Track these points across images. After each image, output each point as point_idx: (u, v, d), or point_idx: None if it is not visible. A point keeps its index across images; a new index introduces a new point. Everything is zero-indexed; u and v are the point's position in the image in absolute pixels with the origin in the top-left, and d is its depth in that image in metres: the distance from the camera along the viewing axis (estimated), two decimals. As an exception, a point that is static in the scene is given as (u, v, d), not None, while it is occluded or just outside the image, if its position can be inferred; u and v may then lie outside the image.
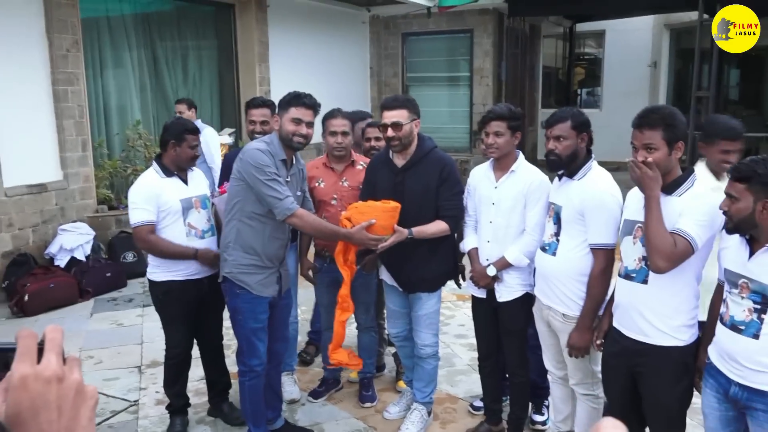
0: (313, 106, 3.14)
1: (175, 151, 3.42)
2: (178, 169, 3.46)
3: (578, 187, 2.87)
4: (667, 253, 2.35)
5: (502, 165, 3.22)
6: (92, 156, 6.81)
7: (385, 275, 3.59)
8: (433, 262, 3.41)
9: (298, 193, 3.27)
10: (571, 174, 2.92)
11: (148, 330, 5.23)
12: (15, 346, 0.70)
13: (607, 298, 2.85)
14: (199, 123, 6.13)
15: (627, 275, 2.59)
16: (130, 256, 6.73)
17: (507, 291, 3.27)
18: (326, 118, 3.72)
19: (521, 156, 3.28)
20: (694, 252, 2.38)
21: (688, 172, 2.51)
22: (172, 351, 3.60)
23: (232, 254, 3.18)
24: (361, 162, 3.78)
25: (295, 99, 3.12)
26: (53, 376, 0.68)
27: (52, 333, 0.72)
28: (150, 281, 3.50)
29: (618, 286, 2.67)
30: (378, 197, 3.41)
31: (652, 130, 2.42)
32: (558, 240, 2.94)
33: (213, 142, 6.43)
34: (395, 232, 3.22)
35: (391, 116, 3.27)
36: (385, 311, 4.02)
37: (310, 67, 9.90)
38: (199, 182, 3.58)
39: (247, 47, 8.94)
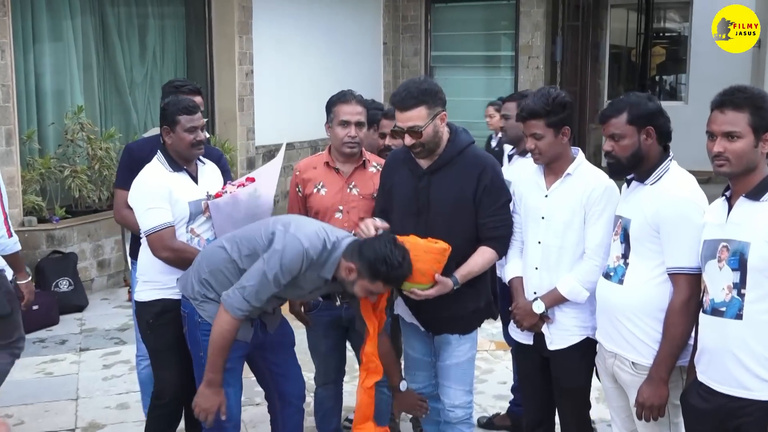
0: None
1: (171, 139, 3.56)
2: (185, 162, 3.60)
3: (651, 194, 2.88)
4: None
5: (554, 168, 3.23)
6: (19, 152, 6.84)
7: (401, 310, 3.57)
8: (468, 295, 3.37)
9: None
10: (642, 177, 2.93)
11: (86, 381, 5.22)
12: None
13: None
14: None
15: (714, 310, 2.58)
16: (64, 284, 6.72)
17: (561, 335, 3.23)
18: (335, 104, 3.69)
19: (580, 155, 3.27)
20: None
21: None
22: (161, 396, 3.64)
23: (206, 274, 3.28)
24: (374, 163, 3.78)
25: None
26: None
27: None
28: (138, 303, 3.62)
29: (702, 325, 2.65)
30: (394, 208, 3.39)
31: (736, 112, 2.49)
32: (626, 263, 2.93)
33: None
34: (437, 282, 3.19)
35: (405, 119, 3.24)
36: (402, 360, 3.99)
37: (305, 42, 9.94)
38: (211, 179, 3.72)
39: (224, 14, 9.00)
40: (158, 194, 3.47)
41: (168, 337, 3.54)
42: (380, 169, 3.66)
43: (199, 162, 3.71)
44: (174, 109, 3.56)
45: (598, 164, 3.33)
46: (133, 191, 3.57)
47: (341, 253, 3.14)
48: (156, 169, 3.56)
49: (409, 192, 3.37)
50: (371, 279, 3.07)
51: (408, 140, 3.25)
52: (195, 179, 3.63)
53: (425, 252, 3.17)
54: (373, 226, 3.24)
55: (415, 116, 3.22)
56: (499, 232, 3.35)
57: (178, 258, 3.49)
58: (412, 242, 3.20)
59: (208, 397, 3.17)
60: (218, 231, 3.58)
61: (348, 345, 3.94)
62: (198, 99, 4.03)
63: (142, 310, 3.60)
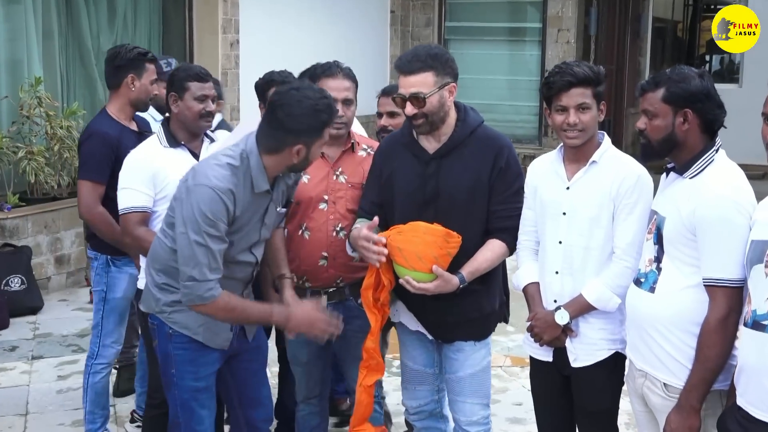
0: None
1: (178, 108, 3.76)
2: (188, 137, 3.81)
3: (689, 190, 2.86)
4: None
5: (578, 154, 3.24)
6: (-33, 129, 6.88)
7: (405, 317, 3.59)
8: (482, 294, 3.42)
9: (279, 217, 3.44)
10: (681, 169, 2.92)
11: (38, 394, 5.26)
12: None
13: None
14: None
15: (756, 323, 2.54)
16: (16, 282, 6.73)
17: (586, 350, 3.25)
18: (318, 77, 3.71)
19: (606, 139, 3.27)
20: None
21: None
22: (155, 397, 3.82)
23: (160, 276, 3.27)
24: (365, 146, 3.80)
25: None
26: None
27: None
28: (139, 292, 3.80)
29: (745, 341, 2.62)
30: (395, 199, 3.42)
31: None
32: (659, 269, 2.93)
33: None
34: (437, 276, 3.20)
35: (408, 85, 3.29)
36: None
37: (301, 8, 10.00)
38: None
39: (206, -25, 9.04)
40: (138, 175, 3.69)
41: None
42: (371, 153, 3.68)
43: (206, 139, 3.89)
44: (184, 75, 3.75)
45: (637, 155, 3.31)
46: (123, 165, 3.79)
47: (257, 155, 3.15)
48: (149, 146, 3.77)
49: (415, 179, 3.40)
50: (320, 135, 3.18)
51: (409, 109, 3.28)
52: (196, 156, 3.78)
53: (425, 233, 3.22)
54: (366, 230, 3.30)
55: (420, 82, 3.26)
56: (511, 222, 3.40)
57: (137, 246, 3.73)
58: (411, 224, 3.27)
59: (299, 322, 3.30)
60: None
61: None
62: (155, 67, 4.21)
63: None
